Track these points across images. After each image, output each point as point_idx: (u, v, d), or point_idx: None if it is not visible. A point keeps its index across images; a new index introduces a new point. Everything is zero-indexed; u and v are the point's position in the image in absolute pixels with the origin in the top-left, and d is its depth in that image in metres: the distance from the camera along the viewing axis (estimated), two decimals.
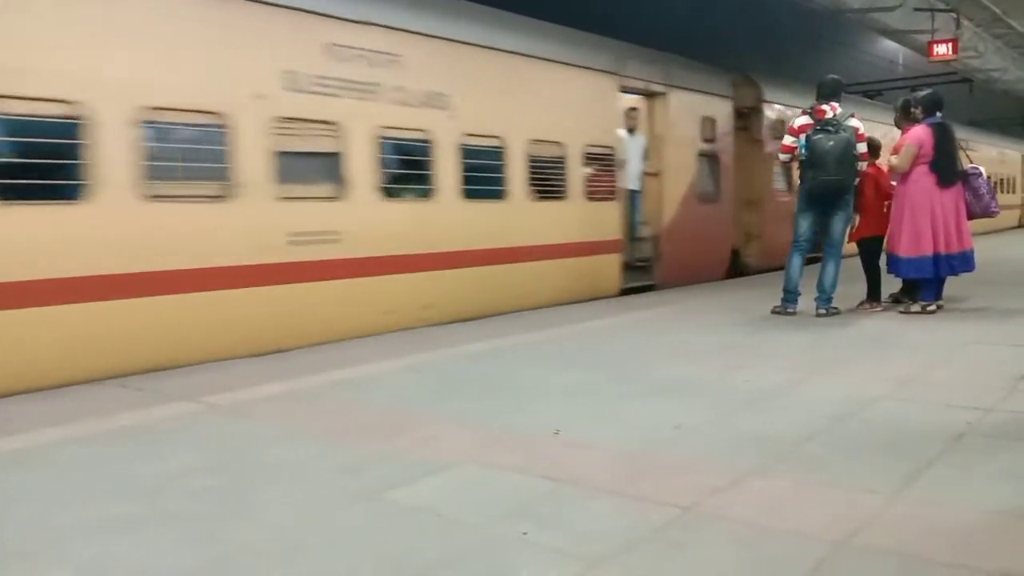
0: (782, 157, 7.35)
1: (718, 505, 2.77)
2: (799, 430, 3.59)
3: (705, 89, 10.76)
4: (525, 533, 2.55)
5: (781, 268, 8.95)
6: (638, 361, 5.31)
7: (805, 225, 7.06)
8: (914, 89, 14.02)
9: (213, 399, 4.42)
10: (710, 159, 10.84)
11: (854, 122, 6.83)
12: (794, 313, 6.98)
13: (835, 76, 7.15)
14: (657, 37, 11.31)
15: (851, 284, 7.40)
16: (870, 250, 7.39)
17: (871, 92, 19.21)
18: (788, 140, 7.03)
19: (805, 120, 6.88)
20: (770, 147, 11.52)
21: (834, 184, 6.76)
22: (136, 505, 2.89)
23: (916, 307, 6.91)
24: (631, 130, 9.66)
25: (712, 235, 10.89)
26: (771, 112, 12.21)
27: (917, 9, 17.54)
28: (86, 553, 2.51)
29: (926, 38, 18.21)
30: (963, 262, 6.82)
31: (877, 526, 2.56)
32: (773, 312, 7.07)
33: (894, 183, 7.08)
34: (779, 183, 12.23)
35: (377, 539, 2.57)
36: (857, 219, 7.26)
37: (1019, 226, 23.80)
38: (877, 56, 29.37)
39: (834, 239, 7.03)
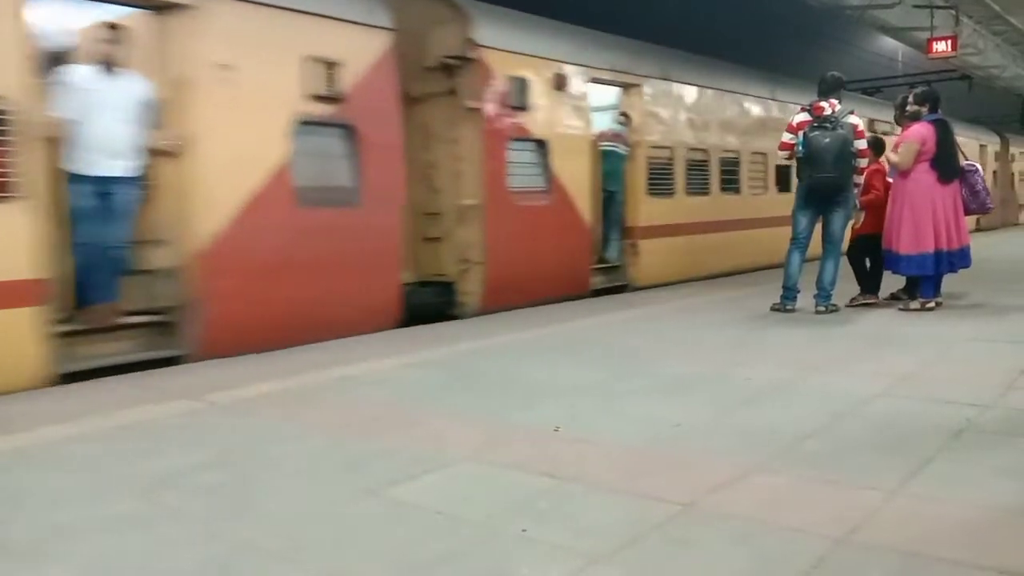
0: (780, 154, 7.34)
1: (718, 502, 2.77)
2: (799, 427, 3.59)
3: (312, 8, 6.21)
4: (525, 530, 2.56)
5: (520, 308, 7.35)
6: (638, 358, 5.31)
7: (804, 222, 7.06)
8: (913, 86, 14.02)
9: (214, 396, 4.42)
10: (337, 132, 6.44)
11: (853, 119, 6.84)
12: (793, 310, 6.99)
13: (835, 73, 7.15)
14: (655, 31, 11.24)
15: (850, 281, 7.41)
16: (868, 247, 7.39)
17: (870, 89, 19.22)
18: (786, 137, 7.03)
19: (804, 116, 6.88)
20: (501, 122, 7.68)
21: (831, 181, 6.76)
22: (139, 502, 2.89)
23: (915, 304, 6.92)
24: (110, 66, 5.30)
25: (344, 264, 6.36)
26: (501, 65, 7.63)
27: (916, 6, 17.52)
28: (89, 550, 2.51)
29: (925, 35, 18.20)
30: (961, 258, 6.85)
31: (877, 522, 2.57)
32: (772, 309, 7.07)
33: (890, 180, 7.10)
34: (525, 177, 8.06)
35: (379, 535, 2.57)
36: (862, 216, 7.25)
37: (977, 229, 18.68)
38: (876, 53, 29.42)
39: (833, 236, 7.03)
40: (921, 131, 6.76)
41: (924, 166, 6.70)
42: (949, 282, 7.25)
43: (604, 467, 3.15)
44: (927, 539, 2.43)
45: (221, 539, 2.57)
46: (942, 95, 7.27)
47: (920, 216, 6.69)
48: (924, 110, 6.93)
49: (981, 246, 8.67)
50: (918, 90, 7.38)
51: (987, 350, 5.32)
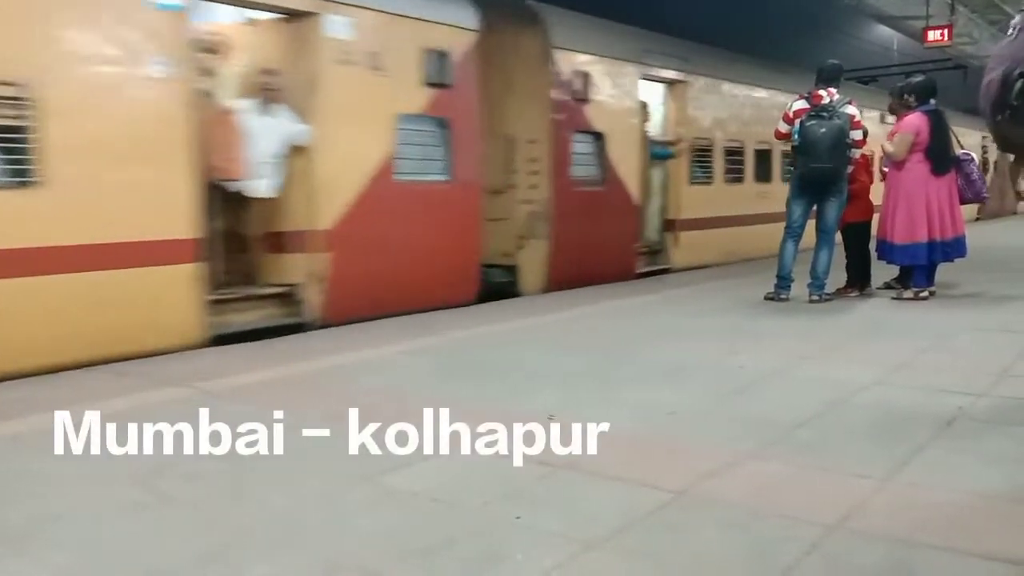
0: (777, 142, 7.34)
1: (712, 489, 2.79)
2: (792, 415, 3.61)
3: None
4: (519, 517, 2.57)
5: None
6: (633, 346, 5.32)
7: (798, 211, 7.06)
8: (908, 75, 13.96)
9: (206, 384, 4.42)
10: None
11: (850, 109, 6.83)
12: (787, 299, 7.00)
13: (835, 61, 7.13)
14: (648, 17, 11.13)
15: (844, 271, 7.42)
16: (854, 233, 7.42)
17: (865, 78, 19.19)
18: (782, 127, 7.02)
19: (801, 104, 6.87)
20: None
21: (825, 171, 6.75)
22: (133, 489, 2.89)
23: (909, 293, 6.94)
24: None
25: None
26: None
27: None
28: (85, 536, 2.52)
29: (921, 24, 18.23)
30: (956, 248, 6.86)
31: (869, 510, 2.58)
32: (766, 298, 7.08)
33: (885, 169, 7.10)
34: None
35: (373, 523, 2.58)
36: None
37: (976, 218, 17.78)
38: (871, 42, 29.35)
39: (827, 225, 7.03)
40: (915, 121, 6.76)
41: (918, 156, 6.70)
42: (944, 271, 7.27)
43: (598, 455, 3.15)
44: (919, 526, 2.45)
45: (217, 526, 2.58)
46: (937, 85, 7.25)
47: (914, 206, 6.70)
48: (911, 100, 6.93)
49: (976, 235, 8.67)
50: (912, 80, 7.36)
51: (980, 339, 5.35)
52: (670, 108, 10.27)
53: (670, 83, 10.11)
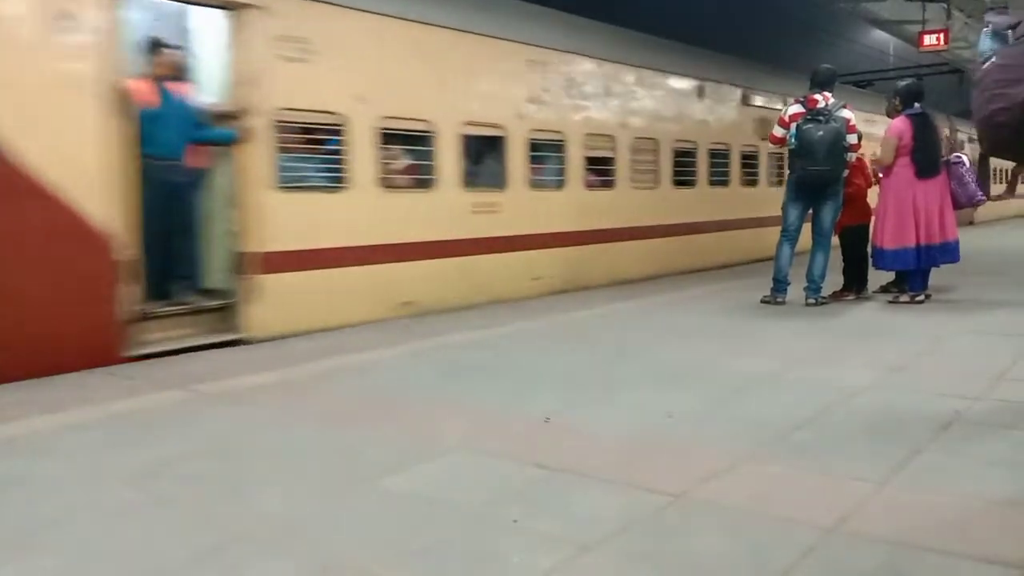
0: (772, 147, 7.36)
1: (709, 492, 2.78)
2: (790, 418, 3.61)
3: None
4: (516, 520, 2.56)
5: None
6: (630, 349, 5.32)
7: (794, 215, 7.07)
8: (903, 80, 13.99)
9: (204, 387, 4.41)
10: None
11: (846, 113, 6.85)
12: (784, 303, 7.01)
13: (829, 66, 7.16)
14: (648, 21, 11.15)
15: (840, 274, 7.43)
16: (851, 236, 7.43)
17: (862, 83, 19.27)
18: (778, 132, 7.03)
19: (797, 109, 6.88)
20: None
21: (823, 174, 6.78)
22: (130, 491, 2.88)
23: (905, 297, 6.95)
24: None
25: None
26: None
27: None
28: (79, 539, 2.51)
29: (917, 28, 18.27)
30: (945, 253, 6.82)
31: (866, 513, 2.58)
32: (763, 302, 7.09)
33: (879, 174, 7.13)
34: None
35: (370, 525, 2.57)
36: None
37: None
38: (868, 47, 29.49)
39: (823, 229, 7.06)
40: (899, 126, 6.78)
41: (904, 160, 6.72)
42: (939, 275, 7.28)
43: (595, 457, 3.15)
44: (916, 529, 2.45)
45: (213, 528, 2.57)
46: (933, 89, 7.27)
47: (901, 211, 6.71)
48: (897, 103, 6.95)
49: (970, 239, 8.70)
50: (900, 84, 7.38)
51: (977, 343, 5.35)
52: (234, 55, 5.85)
53: (231, 8, 5.76)
